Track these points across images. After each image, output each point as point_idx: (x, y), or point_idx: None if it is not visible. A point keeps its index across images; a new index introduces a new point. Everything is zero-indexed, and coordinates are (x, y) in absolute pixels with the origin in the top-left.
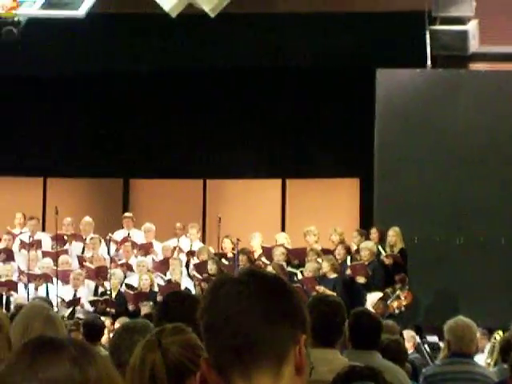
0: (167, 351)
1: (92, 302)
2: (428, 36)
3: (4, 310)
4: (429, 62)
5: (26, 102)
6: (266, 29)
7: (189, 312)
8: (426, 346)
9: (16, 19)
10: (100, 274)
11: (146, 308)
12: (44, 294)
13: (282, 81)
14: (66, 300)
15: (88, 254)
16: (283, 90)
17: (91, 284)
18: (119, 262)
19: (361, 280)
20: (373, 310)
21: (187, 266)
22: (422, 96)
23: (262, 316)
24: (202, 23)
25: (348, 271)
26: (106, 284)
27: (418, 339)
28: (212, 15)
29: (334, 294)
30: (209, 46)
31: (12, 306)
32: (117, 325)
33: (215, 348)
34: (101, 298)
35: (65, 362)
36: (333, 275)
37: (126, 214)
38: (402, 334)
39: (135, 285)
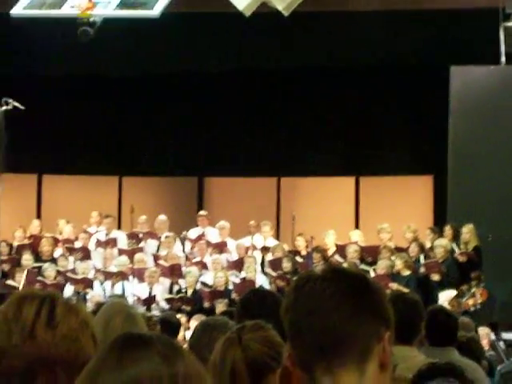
0: (247, 348)
1: (168, 300)
2: (502, 33)
3: None
4: (503, 59)
5: (102, 102)
6: (339, 27)
7: (270, 309)
8: (500, 343)
9: (91, 20)
10: (174, 271)
11: (221, 305)
12: (120, 292)
13: (356, 79)
14: (142, 298)
15: (163, 252)
16: (357, 88)
17: (166, 282)
18: (194, 260)
19: (435, 277)
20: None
21: (262, 263)
22: (496, 92)
23: (346, 313)
24: (275, 22)
25: (422, 269)
26: (181, 282)
27: (492, 336)
28: (285, 14)
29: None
30: (282, 45)
31: (88, 304)
32: (192, 322)
33: (299, 345)
34: (176, 296)
35: (153, 358)
36: (406, 273)
37: (201, 213)
38: (477, 332)
39: (210, 283)
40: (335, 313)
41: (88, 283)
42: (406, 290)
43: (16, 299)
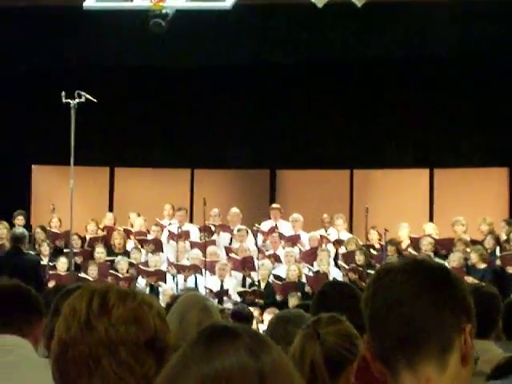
0: (325, 342)
1: (240, 294)
2: None
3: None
4: None
5: (175, 94)
6: (413, 17)
7: (347, 301)
8: None
9: (164, 11)
10: (246, 264)
11: (293, 299)
12: (192, 285)
13: (431, 69)
14: (214, 290)
15: (235, 245)
16: (431, 78)
17: (239, 275)
18: (267, 253)
19: (511, 270)
20: None
21: (335, 256)
22: None
23: (427, 305)
24: (348, 13)
25: (498, 262)
26: (253, 275)
27: None
28: (359, 5)
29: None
30: (356, 37)
31: (161, 296)
32: (265, 315)
33: (379, 336)
34: (249, 290)
35: (240, 351)
36: (482, 266)
37: (274, 206)
38: None
39: (283, 275)
40: (415, 305)
41: (160, 276)
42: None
43: (73, 296)
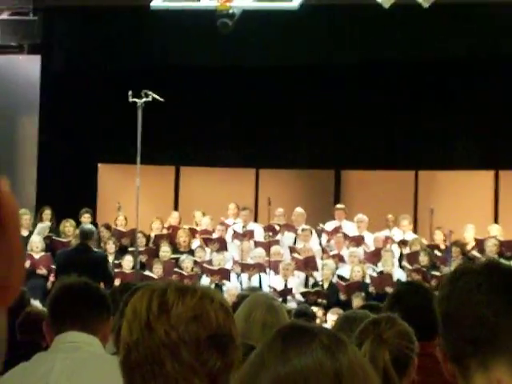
0: (390, 344)
1: (303, 294)
2: None
3: None
4: None
5: (239, 94)
6: (480, 19)
7: (421, 301)
8: None
9: (231, 11)
10: (309, 264)
11: (357, 299)
12: (257, 284)
13: (496, 70)
14: (278, 290)
15: (299, 245)
16: (499, 80)
17: (302, 275)
18: (331, 253)
19: None
20: None
21: (400, 257)
22: None
23: (502, 306)
24: (414, 14)
25: None
26: (316, 274)
27: None
28: (425, 6)
29: None
30: (423, 37)
31: (225, 295)
32: (329, 315)
33: (452, 337)
34: (312, 290)
35: (317, 350)
36: None
37: (338, 206)
38: None
39: (346, 276)
40: (490, 307)
41: (225, 274)
42: None
43: (134, 296)
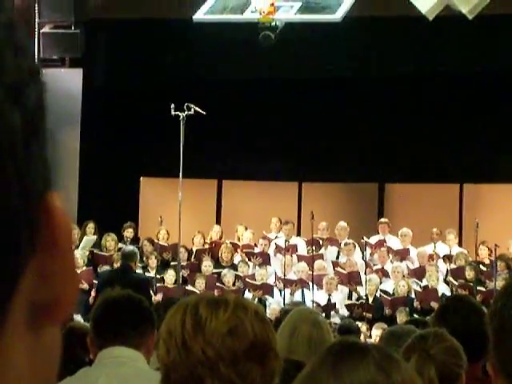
0: (438, 361)
1: (348, 307)
2: None
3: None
4: None
5: (289, 106)
6: None
7: (469, 316)
8: None
9: (273, 24)
10: (352, 279)
11: (402, 314)
12: (299, 299)
13: None
14: (321, 305)
15: (342, 260)
16: None
17: (345, 289)
18: (374, 268)
19: None
20: None
21: (446, 272)
22: None
23: None
24: (458, 26)
25: None
26: (359, 289)
27: None
28: (470, 17)
29: None
30: (466, 49)
31: (267, 310)
32: (374, 330)
33: (505, 351)
34: (357, 302)
35: (369, 366)
36: None
37: (382, 220)
38: None
39: (390, 290)
40: None
41: (267, 289)
42: None
43: (168, 314)
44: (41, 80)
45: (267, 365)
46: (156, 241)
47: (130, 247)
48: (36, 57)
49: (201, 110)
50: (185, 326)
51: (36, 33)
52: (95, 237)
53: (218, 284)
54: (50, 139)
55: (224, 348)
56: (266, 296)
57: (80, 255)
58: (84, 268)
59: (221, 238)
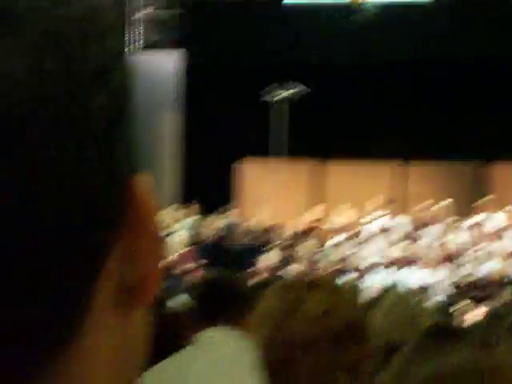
0: None
1: (456, 286)
2: None
3: None
4: None
5: (383, 86)
6: None
7: None
8: None
9: (364, 6)
10: (451, 259)
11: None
12: (401, 279)
13: None
14: (421, 285)
15: (445, 239)
16: None
17: (446, 269)
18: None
19: None
20: None
21: None
22: None
23: None
24: None
25: None
26: (461, 268)
27: None
28: None
29: None
30: None
31: (368, 291)
32: (477, 310)
33: None
34: (465, 282)
35: (466, 349)
36: None
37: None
38: None
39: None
40: None
41: (367, 271)
42: None
43: (266, 293)
44: (126, 61)
45: (362, 345)
46: (259, 221)
47: (232, 220)
48: (138, 39)
49: (303, 90)
50: (280, 308)
51: (137, 15)
52: (196, 218)
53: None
54: (134, 122)
55: (319, 329)
56: (365, 277)
57: (184, 235)
58: (188, 248)
59: (324, 218)
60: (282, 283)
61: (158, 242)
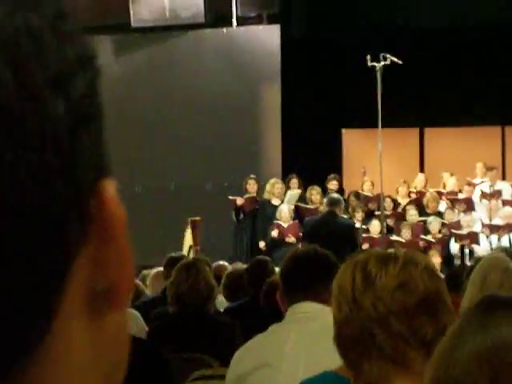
0: None
1: None
2: None
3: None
4: None
5: (476, 52)
6: None
7: None
8: None
9: None
10: None
11: None
12: (507, 244)
13: None
14: None
15: None
16: None
17: None
18: None
19: None
20: None
21: None
22: None
23: None
24: None
25: None
26: None
27: None
28: None
29: None
30: None
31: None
32: None
33: None
34: None
35: None
36: None
37: None
38: None
39: None
40: None
41: (474, 238)
42: None
43: (339, 271)
44: (92, 67)
45: (439, 321)
46: (361, 191)
47: (335, 194)
48: (234, 15)
49: (397, 60)
50: (355, 282)
51: None
52: (299, 191)
53: (422, 236)
54: (102, 128)
55: (394, 303)
56: (473, 245)
57: (287, 209)
58: (290, 222)
59: (425, 186)
60: (355, 258)
61: (126, 247)
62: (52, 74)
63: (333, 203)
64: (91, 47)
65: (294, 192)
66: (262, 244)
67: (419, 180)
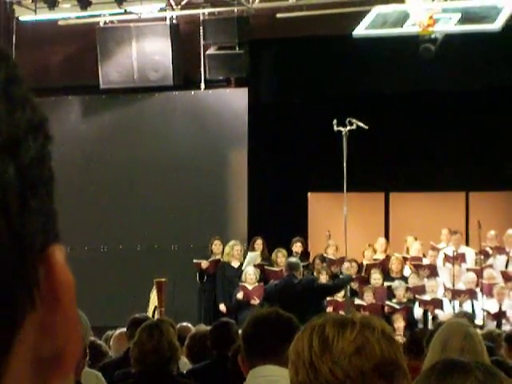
0: None
1: None
2: None
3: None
4: None
5: (444, 118)
6: None
7: None
8: None
9: (433, 36)
10: None
11: None
12: (468, 310)
13: None
14: (492, 313)
15: (510, 268)
16: None
17: None
18: None
19: None
20: None
21: None
22: None
23: None
24: None
25: None
26: None
27: None
28: None
29: None
30: None
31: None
32: None
33: None
34: None
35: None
36: None
37: None
38: None
39: None
40: None
41: (437, 304)
42: None
43: (296, 336)
44: (43, 132)
45: (395, 383)
46: (325, 255)
47: (293, 259)
48: (203, 78)
49: (363, 125)
50: (312, 347)
51: (201, 55)
52: (258, 253)
53: (387, 302)
54: (52, 192)
55: (352, 367)
56: (436, 311)
57: (252, 271)
58: (256, 284)
59: (385, 250)
60: (312, 323)
61: (73, 313)
62: (2, 139)
63: (292, 267)
64: (42, 112)
65: (253, 254)
66: (222, 306)
67: (379, 243)
